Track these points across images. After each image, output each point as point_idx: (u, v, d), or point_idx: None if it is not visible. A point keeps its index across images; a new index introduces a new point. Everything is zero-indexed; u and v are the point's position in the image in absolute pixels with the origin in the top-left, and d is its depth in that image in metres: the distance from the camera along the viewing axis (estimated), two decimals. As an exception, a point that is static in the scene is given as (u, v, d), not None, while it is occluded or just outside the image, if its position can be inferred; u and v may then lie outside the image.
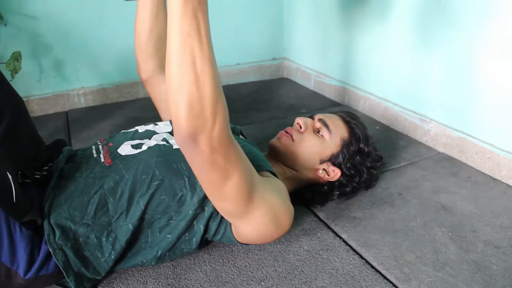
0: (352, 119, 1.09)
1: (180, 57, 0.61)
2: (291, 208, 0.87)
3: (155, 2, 1.05)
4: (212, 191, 0.75)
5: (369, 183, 1.14)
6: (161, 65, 1.13)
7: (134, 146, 0.90)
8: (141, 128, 0.99)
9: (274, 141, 1.06)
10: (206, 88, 0.63)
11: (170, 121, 1.04)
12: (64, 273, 0.77)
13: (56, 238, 0.76)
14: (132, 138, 0.94)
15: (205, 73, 0.62)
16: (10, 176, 0.73)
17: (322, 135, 1.04)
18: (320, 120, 1.06)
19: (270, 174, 0.91)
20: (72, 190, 0.82)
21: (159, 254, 0.84)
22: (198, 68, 0.62)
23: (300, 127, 1.05)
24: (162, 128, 0.99)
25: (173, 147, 0.89)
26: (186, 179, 0.83)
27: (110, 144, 0.93)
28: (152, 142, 0.91)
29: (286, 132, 1.05)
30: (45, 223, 0.77)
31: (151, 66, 1.13)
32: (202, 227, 0.84)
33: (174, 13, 0.60)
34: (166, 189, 0.82)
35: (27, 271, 0.74)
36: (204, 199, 0.82)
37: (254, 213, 0.78)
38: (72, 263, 0.77)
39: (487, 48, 1.19)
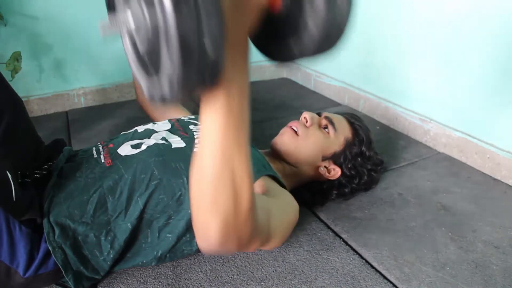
0: (356, 121, 1.11)
1: (218, 175, 0.52)
2: (297, 216, 0.89)
3: None
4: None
5: (368, 186, 1.14)
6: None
7: (134, 146, 0.90)
8: (140, 128, 1.00)
9: (277, 138, 1.07)
10: (244, 203, 0.55)
11: (169, 120, 1.04)
12: (63, 272, 0.77)
13: (56, 237, 0.76)
14: (132, 138, 0.94)
15: (244, 189, 0.54)
16: (10, 175, 0.74)
17: (327, 132, 1.05)
18: (326, 117, 1.07)
19: (271, 180, 0.91)
20: (72, 189, 0.82)
21: (159, 254, 0.84)
22: (237, 187, 0.53)
23: (307, 121, 1.05)
24: (161, 126, 1.00)
25: (172, 146, 0.89)
26: (185, 178, 0.83)
27: (111, 145, 0.93)
28: (151, 141, 0.91)
29: (292, 127, 1.06)
30: (45, 221, 0.77)
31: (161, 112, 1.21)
32: None
33: (214, 128, 0.51)
34: (165, 189, 0.82)
35: (26, 269, 0.75)
36: None
37: (270, 245, 0.78)
38: (71, 261, 0.77)
39: (487, 48, 1.19)
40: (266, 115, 1.71)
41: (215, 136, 0.51)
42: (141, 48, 0.44)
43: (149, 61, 0.44)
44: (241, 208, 0.54)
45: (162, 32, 0.40)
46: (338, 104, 1.85)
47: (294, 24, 0.53)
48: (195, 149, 0.54)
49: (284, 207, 0.86)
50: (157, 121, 1.13)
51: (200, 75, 0.43)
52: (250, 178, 0.55)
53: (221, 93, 0.49)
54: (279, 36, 0.57)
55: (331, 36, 0.54)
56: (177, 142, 0.91)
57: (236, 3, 0.48)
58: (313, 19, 0.51)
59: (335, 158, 1.05)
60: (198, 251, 0.89)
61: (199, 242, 0.58)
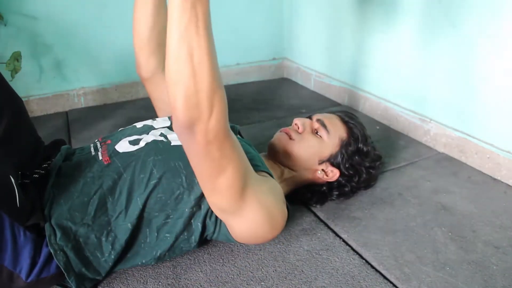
0: (350, 118, 1.08)
1: (177, 51, 0.62)
2: (285, 209, 0.87)
3: None
4: (205, 182, 0.76)
5: (368, 183, 1.14)
6: (164, 62, 1.11)
7: (132, 142, 0.90)
8: (139, 124, 0.99)
9: (272, 141, 1.06)
10: (203, 80, 0.63)
11: (169, 117, 1.03)
12: (65, 274, 0.77)
13: (57, 239, 0.76)
14: (130, 134, 0.93)
15: (202, 65, 0.63)
16: (13, 181, 0.73)
17: (320, 136, 1.04)
18: (318, 120, 1.05)
19: (266, 175, 0.91)
20: (72, 190, 0.82)
21: (158, 254, 0.84)
22: (195, 61, 0.62)
23: (298, 128, 1.05)
24: (160, 123, 0.99)
25: (171, 144, 0.88)
26: (184, 177, 0.83)
27: (108, 141, 0.92)
28: (149, 137, 0.90)
29: (285, 132, 1.05)
30: (46, 225, 0.77)
31: (152, 63, 1.08)
32: (199, 225, 0.84)
33: (173, 5, 0.60)
34: (164, 188, 0.82)
35: (29, 274, 0.74)
36: (201, 197, 0.82)
37: (246, 210, 0.78)
38: (73, 263, 0.77)
39: (487, 48, 1.19)
40: (266, 115, 1.71)
41: (173, 15, 0.60)
42: None
43: None
44: (200, 86, 0.63)
45: None
46: (338, 104, 1.85)
47: None
48: None
49: (271, 188, 0.86)
50: (153, 95, 1.13)
51: None
52: (210, 60, 0.63)
53: None
54: None
55: None
56: (176, 139, 0.89)
57: None
58: None
59: (332, 160, 1.03)
60: (196, 247, 0.89)
61: (173, 122, 0.68)
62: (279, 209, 0.85)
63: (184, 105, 0.63)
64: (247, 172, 0.78)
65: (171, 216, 0.83)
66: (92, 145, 0.94)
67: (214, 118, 0.66)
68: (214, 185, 0.74)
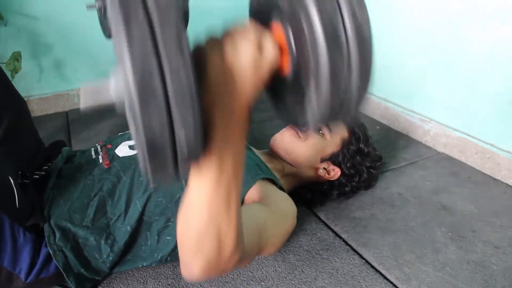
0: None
1: (203, 232, 0.53)
2: (294, 208, 0.88)
3: None
4: None
5: (368, 183, 1.14)
6: None
7: (132, 147, 0.90)
8: None
9: (277, 134, 1.07)
10: (228, 252, 0.56)
11: None
12: (64, 275, 0.77)
13: (57, 240, 0.76)
14: (129, 139, 0.94)
15: (229, 242, 0.55)
16: (12, 181, 0.73)
17: (323, 134, 1.04)
18: None
19: (268, 183, 0.90)
20: (72, 191, 0.82)
21: (159, 257, 0.84)
22: (222, 242, 0.54)
23: None
24: None
25: None
26: (183, 181, 0.82)
27: (109, 146, 0.93)
28: None
29: (292, 129, 1.06)
30: (46, 225, 0.77)
31: None
32: None
33: (202, 193, 0.51)
34: (163, 191, 0.82)
35: (28, 274, 0.74)
36: None
37: (267, 253, 0.77)
38: (72, 264, 0.77)
39: (487, 48, 1.19)
40: (266, 115, 1.70)
41: (203, 197, 0.51)
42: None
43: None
44: (224, 254, 0.55)
45: (134, 130, 0.39)
46: (338, 104, 1.84)
47: (298, 94, 0.48)
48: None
49: (280, 217, 0.83)
50: None
51: (172, 165, 0.42)
52: (237, 231, 0.55)
53: (211, 159, 0.48)
54: (283, 99, 0.56)
55: (336, 116, 0.49)
56: None
57: (221, 86, 0.46)
58: (317, 99, 0.45)
59: (333, 159, 1.04)
60: None
61: (182, 272, 0.59)
62: (292, 225, 0.85)
63: (203, 270, 0.56)
64: (261, 234, 0.72)
65: (172, 220, 0.83)
66: (93, 148, 0.94)
67: (233, 263, 0.59)
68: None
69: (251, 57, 0.45)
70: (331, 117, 0.48)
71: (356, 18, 0.46)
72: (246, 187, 0.84)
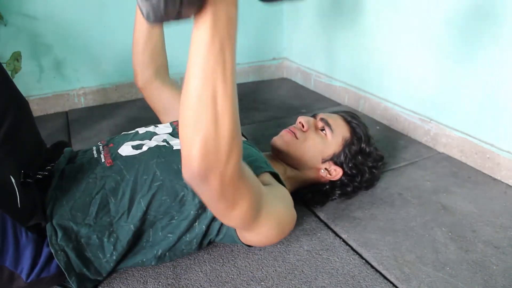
0: (353, 119, 1.09)
1: (200, 95, 0.56)
2: (295, 214, 0.89)
3: None
4: (219, 215, 0.75)
5: (370, 183, 1.14)
6: (157, 73, 1.17)
7: (135, 147, 0.90)
8: (141, 130, 1.00)
9: (276, 138, 1.07)
10: (225, 127, 0.58)
11: (171, 123, 1.04)
12: (66, 274, 0.76)
13: (58, 239, 0.76)
14: (133, 139, 0.94)
15: (226, 111, 0.58)
16: (13, 181, 0.73)
17: (325, 133, 1.04)
18: (322, 119, 1.06)
19: (271, 176, 0.92)
20: (74, 191, 0.82)
21: (159, 253, 0.84)
22: (218, 107, 0.57)
23: (303, 126, 1.05)
24: (162, 129, 0.99)
25: (174, 148, 0.89)
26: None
27: (111, 145, 0.93)
28: (152, 143, 0.91)
29: (290, 130, 1.06)
30: (48, 225, 0.77)
31: (147, 74, 1.16)
32: (204, 228, 0.84)
33: (199, 47, 0.55)
34: (167, 190, 0.82)
35: (29, 274, 0.74)
36: None
37: (261, 227, 0.79)
38: (73, 264, 0.77)
39: (486, 47, 1.19)
40: (266, 115, 1.71)
41: (199, 56, 0.55)
42: None
43: None
44: (221, 133, 0.58)
45: None
46: (338, 104, 1.85)
47: None
48: None
49: (280, 197, 0.87)
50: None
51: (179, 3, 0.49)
52: (233, 106, 0.58)
53: (206, 12, 0.53)
54: None
55: None
56: (178, 144, 0.90)
57: None
58: None
59: (335, 159, 1.04)
60: (197, 250, 0.90)
61: (184, 168, 0.61)
62: (290, 217, 0.87)
63: (202, 152, 0.58)
64: (261, 198, 0.76)
65: (175, 218, 0.83)
66: (94, 147, 0.94)
67: (232, 164, 0.62)
68: (229, 218, 0.73)
69: None
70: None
71: None
72: (256, 172, 0.83)
